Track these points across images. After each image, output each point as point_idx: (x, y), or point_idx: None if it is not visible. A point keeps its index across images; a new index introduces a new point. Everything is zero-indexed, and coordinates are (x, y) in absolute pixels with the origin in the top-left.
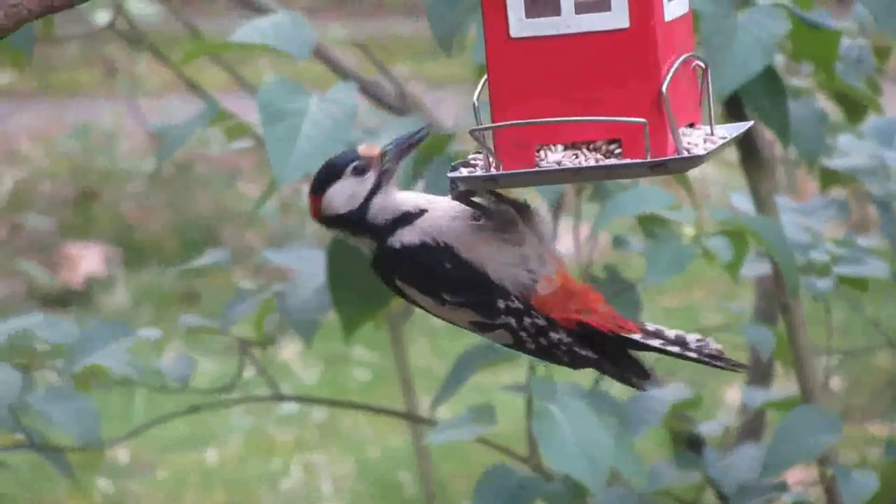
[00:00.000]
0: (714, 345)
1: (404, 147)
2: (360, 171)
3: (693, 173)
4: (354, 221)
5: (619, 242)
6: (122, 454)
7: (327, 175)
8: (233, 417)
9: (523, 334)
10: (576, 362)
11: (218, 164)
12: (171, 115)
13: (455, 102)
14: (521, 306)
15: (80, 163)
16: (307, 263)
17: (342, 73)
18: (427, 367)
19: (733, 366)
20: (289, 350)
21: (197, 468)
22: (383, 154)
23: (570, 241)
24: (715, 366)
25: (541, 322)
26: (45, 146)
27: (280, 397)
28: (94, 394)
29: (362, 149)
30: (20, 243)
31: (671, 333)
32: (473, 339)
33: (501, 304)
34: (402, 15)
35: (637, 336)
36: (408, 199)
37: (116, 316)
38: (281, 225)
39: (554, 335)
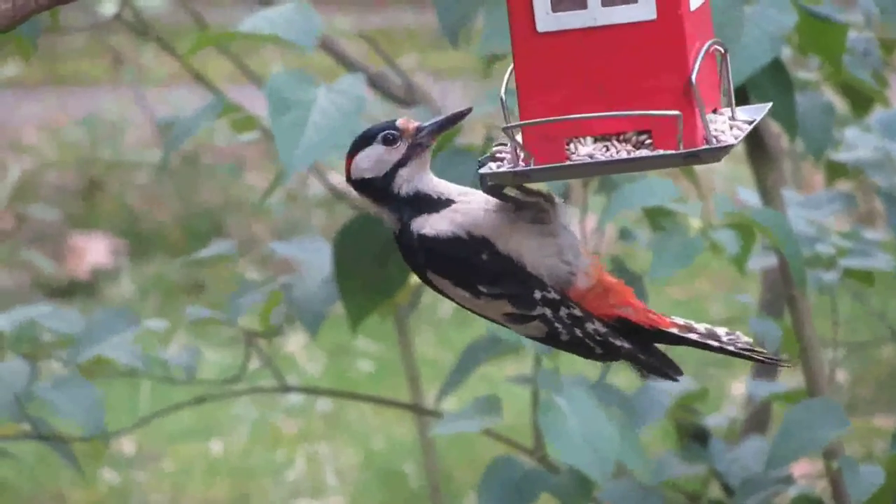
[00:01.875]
0: (744, 338)
1: (443, 125)
2: (390, 141)
3: (699, 165)
4: (379, 189)
5: (625, 234)
6: (127, 445)
7: (360, 140)
8: (238, 408)
9: (559, 326)
10: (609, 353)
11: (224, 155)
12: (178, 105)
13: (461, 94)
14: (557, 297)
15: (86, 153)
16: (313, 255)
17: (348, 64)
18: (433, 358)
19: (772, 360)
20: (293, 342)
21: (202, 459)
22: (419, 129)
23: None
24: (755, 359)
25: (577, 312)
26: (51, 137)
27: (286, 388)
28: (100, 384)
29: (400, 121)
30: (26, 234)
31: (701, 328)
32: (479, 330)
33: (538, 294)
34: (407, 6)
35: (674, 330)
36: (437, 184)
37: (122, 307)
38: (287, 216)
39: (590, 325)
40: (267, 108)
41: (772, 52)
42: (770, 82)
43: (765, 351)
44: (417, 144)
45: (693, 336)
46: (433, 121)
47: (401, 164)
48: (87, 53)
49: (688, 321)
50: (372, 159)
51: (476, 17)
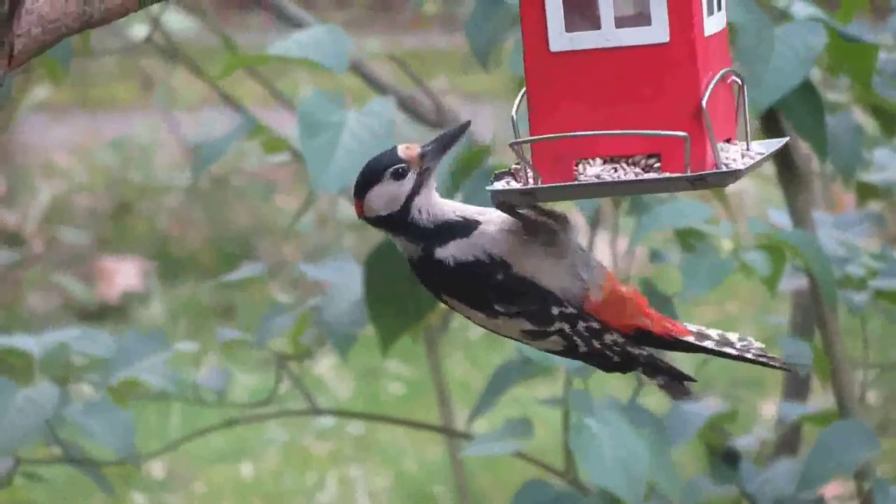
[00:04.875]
0: (756, 343)
1: (445, 143)
2: (399, 175)
3: (730, 187)
4: (396, 222)
5: (655, 256)
6: (157, 468)
7: (367, 179)
8: (269, 431)
9: (577, 339)
10: (628, 363)
11: (254, 177)
12: (208, 128)
13: (491, 115)
14: (574, 311)
15: (116, 176)
16: (344, 277)
17: (379, 86)
18: (463, 380)
19: (782, 365)
20: (323, 364)
21: (233, 482)
22: (423, 155)
23: (607, 254)
24: (766, 365)
25: (595, 325)
26: (81, 160)
27: (317, 411)
28: (131, 407)
29: (402, 149)
30: (56, 257)
31: (714, 333)
32: (509, 351)
33: (556, 310)
34: (438, 28)
35: (690, 338)
36: (452, 206)
37: (153, 330)
38: (317, 239)
39: (608, 336)
40: (297, 130)
41: (802, 73)
42: (801, 103)
43: (775, 357)
44: (425, 170)
45: (709, 344)
46: (434, 141)
47: (413, 194)
48: (117, 77)
49: (700, 327)
50: (384, 198)
51: (506, 39)
